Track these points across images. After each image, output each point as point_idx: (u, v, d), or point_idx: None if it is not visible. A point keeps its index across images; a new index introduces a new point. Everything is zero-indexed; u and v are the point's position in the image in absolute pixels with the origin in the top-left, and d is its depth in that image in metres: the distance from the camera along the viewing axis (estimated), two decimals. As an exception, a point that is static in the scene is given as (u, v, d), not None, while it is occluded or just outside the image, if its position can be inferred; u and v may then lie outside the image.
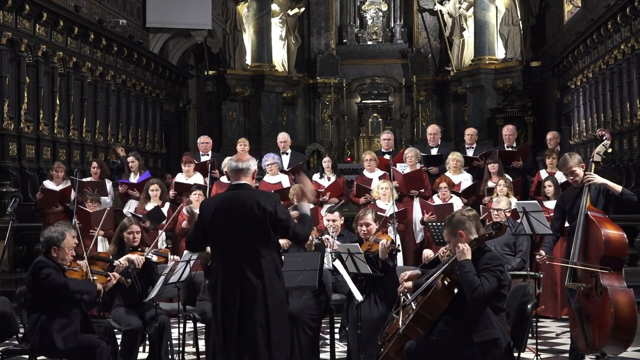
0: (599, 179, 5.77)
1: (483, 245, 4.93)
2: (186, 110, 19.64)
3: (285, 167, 10.16)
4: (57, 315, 5.30)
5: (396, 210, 8.02)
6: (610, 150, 6.17)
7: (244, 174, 4.96)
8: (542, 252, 6.05)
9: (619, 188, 5.79)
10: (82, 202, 8.90)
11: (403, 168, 9.54)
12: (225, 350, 4.80)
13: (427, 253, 5.84)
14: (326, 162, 9.79)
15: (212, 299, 4.97)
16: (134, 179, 9.85)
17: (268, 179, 9.69)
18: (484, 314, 4.72)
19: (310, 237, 6.40)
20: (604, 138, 5.99)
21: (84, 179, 9.57)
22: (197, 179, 9.74)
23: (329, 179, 9.64)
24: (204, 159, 10.32)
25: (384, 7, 19.35)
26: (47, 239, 5.45)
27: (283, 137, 10.74)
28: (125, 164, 10.33)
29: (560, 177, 8.94)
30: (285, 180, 9.63)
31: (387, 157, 9.48)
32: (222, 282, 4.84)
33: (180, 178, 9.84)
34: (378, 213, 6.82)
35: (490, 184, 9.13)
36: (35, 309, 5.37)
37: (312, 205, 5.08)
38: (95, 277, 5.61)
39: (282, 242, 6.17)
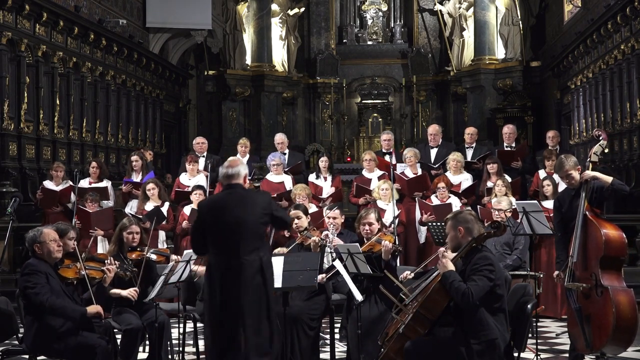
0: (589, 173, 5.76)
1: (481, 245, 4.95)
2: (186, 110, 19.64)
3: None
4: (55, 314, 5.30)
5: (397, 211, 8.04)
6: (607, 150, 6.17)
7: (234, 179, 5.24)
8: (561, 275, 5.80)
9: (608, 179, 5.76)
10: (83, 203, 8.91)
11: (402, 168, 9.54)
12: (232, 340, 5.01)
13: (405, 274, 5.91)
14: (323, 162, 9.82)
15: (209, 293, 5.09)
16: (136, 178, 9.84)
17: (271, 177, 9.76)
18: (480, 316, 4.74)
19: (316, 238, 6.44)
20: (600, 138, 6.01)
21: (86, 186, 9.55)
22: (201, 179, 9.70)
23: (325, 179, 9.68)
24: (200, 160, 10.31)
25: (384, 7, 19.33)
26: (27, 240, 5.54)
27: (280, 138, 10.83)
28: (130, 164, 10.31)
29: (558, 178, 8.93)
30: (287, 180, 9.66)
31: (387, 157, 9.48)
32: (221, 276, 5.04)
33: (183, 178, 9.84)
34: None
35: (489, 184, 9.13)
36: (32, 308, 5.36)
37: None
38: (89, 272, 5.65)
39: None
